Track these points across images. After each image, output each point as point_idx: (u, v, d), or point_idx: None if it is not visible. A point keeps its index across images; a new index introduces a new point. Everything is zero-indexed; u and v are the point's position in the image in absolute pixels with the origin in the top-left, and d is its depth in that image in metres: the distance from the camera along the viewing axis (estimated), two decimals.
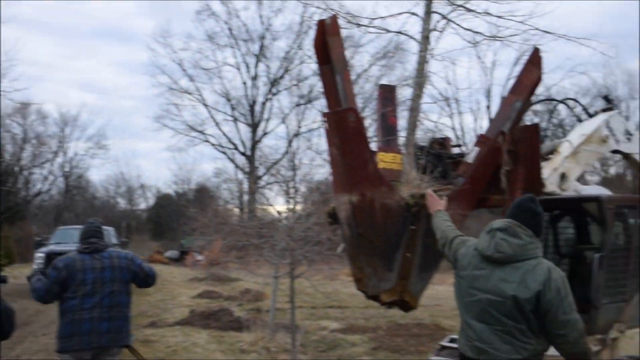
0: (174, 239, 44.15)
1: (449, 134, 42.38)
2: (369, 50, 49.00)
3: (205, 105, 45.39)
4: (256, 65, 45.16)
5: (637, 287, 7.49)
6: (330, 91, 5.13)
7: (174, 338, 13.65)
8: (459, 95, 44.21)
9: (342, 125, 4.80)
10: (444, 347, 8.10)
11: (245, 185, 34.69)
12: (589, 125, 6.79)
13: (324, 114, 4.97)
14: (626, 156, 7.29)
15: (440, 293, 24.27)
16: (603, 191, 8.84)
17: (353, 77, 43.01)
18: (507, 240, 3.97)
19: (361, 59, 40.79)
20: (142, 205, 61.68)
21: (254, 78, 45.28)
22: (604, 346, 6.89)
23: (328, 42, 5.02)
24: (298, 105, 43.18)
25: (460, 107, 45.06)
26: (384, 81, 35.14)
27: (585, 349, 3.97)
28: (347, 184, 4.99)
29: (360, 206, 4.97)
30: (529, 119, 32.57)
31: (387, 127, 5.93)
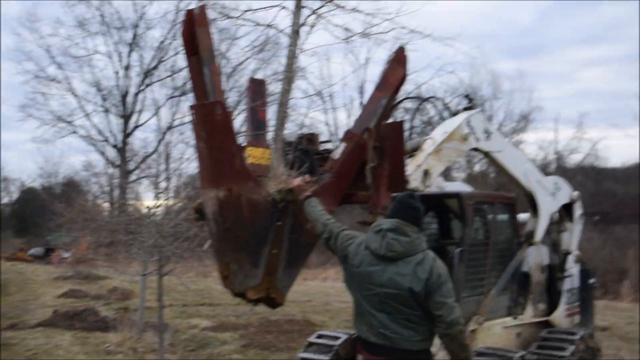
0: (40, 235, 42.10)
1: (323, 129, 42.97)
2: (245, 44, 48.68)
3: (75, 94, 43.52)
4: (129, 55, 43.75)
5: (495, 281, 7.86)
6: (198, 83, 5.02)
7: (35, 340, 13.05)
8: (333, 91, 44.81)
9: (209, 118, 4.71)
10: (311, 344, 8.17)
11: (116, 180, 33.62)
12: (450, 124, 7.04)
13: (191, 107, 4.86)
14: (486, 154, 7.60)
15: (311, 289, 24.64)
16: (464, 188, 9.23)
17: (229, 70, 42.69)
18: (397, 239, 4.36)
19: (238, 53, 40.51)
20: (5, 200, 58.49)
21: (127, 68, 43.91)
22: None
23: (196, 33, 4.91)
24: (172, 97, 42.31)
25: (334, 103, 45.78)
26: (259, 75, 35.03)
27: (459, 332, 4.32)
28: (213, 178, 4.91)
29: (226, 201, 4.90)
30: (400, 116, 33.60)
31: (257, 122, 5.89)
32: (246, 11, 5.74)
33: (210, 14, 5.63)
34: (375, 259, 4.42)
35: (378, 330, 4.45)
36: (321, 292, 23.26)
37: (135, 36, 43.39)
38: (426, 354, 4.49)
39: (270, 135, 5.72)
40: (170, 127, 40.17)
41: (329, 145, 6.44)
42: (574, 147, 50.25)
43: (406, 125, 6.80)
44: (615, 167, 54.61)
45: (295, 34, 5.41)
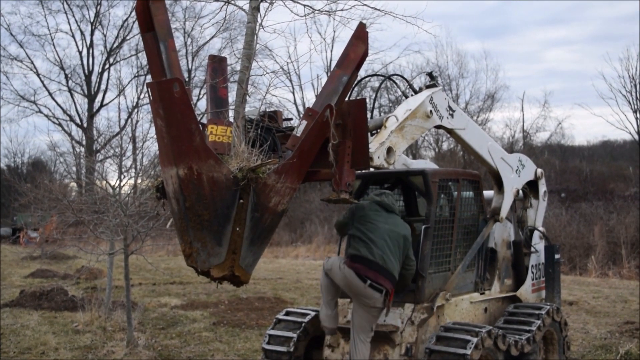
0: (7, 215, 41.63)
1: (291, 108, 42.85)
2: (211, 22, 48.21)
3: (38, 74, 42.87)
4: (92, 33, 43.18)
5: (461, 257, 7.91)
6: (154, 60, 4.94)
7: (3, 321, 12.95)
8: (299, 70, 44.59)
9: (167, 95, 4.63)
10: (280, 321, 8.19)
11: (82, 159, 33.25)
12: (413, 101, 7.00)
13: (148, 84, 4.77)
14: (450, 131, 7.60)
15: (282, 266, 24.73)
16: (429, 165, 9.24)
17: (195, 48, 42.27)
18: (390, 199, 7.05)
19: (202, 31, 40.11)
20: None
21: (90, 47, 43.29)
22: (430, 314, 7.20)
23: (151, 8, 4.82)
24: (137, 76, 41.83)
25: (300, 81, 45.61)
26: (225, 53, 34.77)
27: (414, 272, 7.12)
28: (173, 156, 4.84)
29: (187, 180, 4.84)
30: (368, 95, 33.63)
31: (218, 99, 5.82)
32: None
33: None
34: (379, 209, 6.91)
35: (378, 252, 6.64)
36: (292, 270, 23.33)
37: (97, 14, 42.77)
38: (394, 280, 6.76)
39: (231, 112, 5.65)
40: (135, 107, 39.78)
41: (291, 123, 6.40)
42: (540, 125, 50.84)
43: (369, 103, 6.76)
44: (581, 145, 55.47)
45: (254, 10, 5.32)
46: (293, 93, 45.53)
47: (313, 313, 8.03)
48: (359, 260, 6.70)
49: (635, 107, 46.07)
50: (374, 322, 6.92)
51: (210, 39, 41.77)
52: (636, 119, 46.33)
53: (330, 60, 43.66)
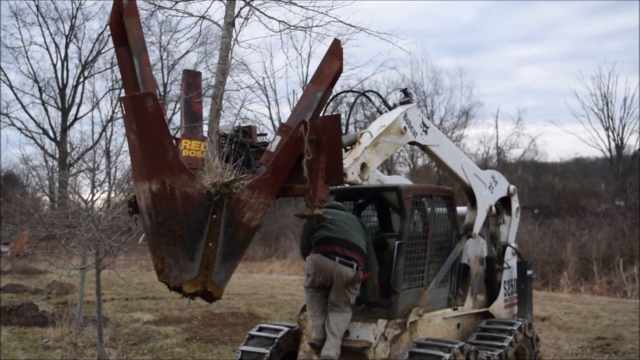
0: None
1: (267, 123, 42.85)
2: (186, 37, 48.09)
3: (11, 86, 42.39)
4: (67, 46, 42.85)
5: (435, 273, 7.94)
6: (128, 75, 4.92)
7: None
8: (275, 85, 44.63)
9: (140, 110, 4.61)
10: (253, 337, 8.15)
11: (55, 173, 32.95)
12: (388, 117, 7.05)
13: (121, 99, 4.75)
14: (423, 148, 7.65)
15: (257, 281, 24.61)
16: (403, 181, 9.29)
17: (171, 63, 42.16)
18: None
19: (178, 45, 40.05)
20: None
21: (65, 60, 42.96)
22: (404, 329, 7.22)
23: (125, 22, 4.80)
24: (112, 90, 41.58)
25: (276, 96, 45.64)
26: (201, 68, 34.71)
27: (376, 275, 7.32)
28: (146, 171, 4.81)
29: (160, 195, 4.81)
30: (344, 110, 33.72)
31: (192, 114, 5.80)
32: (179, 1, 5.62)
33: (141, 4, 5.50)
34: (333, 210, 7.03)
35: (338, 230, 7.01)
36: (266, 285, 23.23)
37: (72, 27, 42.50)
38: (362, 254, 7.08)
39: (205, 127, 5.64)
40: (110, 120, 39.52)
41: (265, 138, 6.40)
42: (514, 142, 51.33)
43: (344, 118, 6.79)
44: (554, 162, 56.15)
45: (229, 25, 5.33)
46: (269, 108, 45.55)
47: (286, 329, 8.01)
48: (322, 242, 7.08)
49: (607, 125, 46.87)
50: (352, 298, 7.14)
51: (185, 54, 41.68)
52: (608, 136, 47.13)
53: (307, 75, 43.74)
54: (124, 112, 4.72)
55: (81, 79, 43.10)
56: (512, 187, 9.48)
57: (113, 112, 41.13)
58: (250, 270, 29.81)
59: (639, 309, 16.32)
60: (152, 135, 4.69)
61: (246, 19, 5.51)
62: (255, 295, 19.86)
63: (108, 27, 40.18)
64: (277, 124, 42.73)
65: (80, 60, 42.92)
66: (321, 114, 5.83)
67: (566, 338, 12.75)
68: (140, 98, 4.68)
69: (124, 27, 4.84)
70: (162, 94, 42.02)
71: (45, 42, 43.00)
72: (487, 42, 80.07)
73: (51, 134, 42.69)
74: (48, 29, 42.52)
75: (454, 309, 8.24)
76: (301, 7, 5.80)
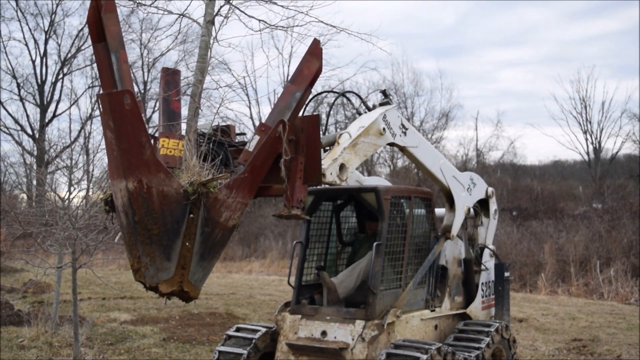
0: None
1: (247, 122, 42.78)
2: (167, 34, 47.85)
3: None
4: (46, 43, 42.43)
5: (412, 274, 7.96)
6: (105, 71, 4.88)
7: None
8: (256, 84, 44.62)
9: (117, 107, 4.57)
10: (230, 337, 8.13)
11: (33, 170, 32.61)
12: (367, 118, 7.05)
13: (98, 95, 4.72)
14: (402, 149, 7.66)
15: (235, 281, 24.52)
16: (382, 182, 9.30)
17: (151, 61, 41.95)
18: None
19: (158, 43, 39.85)
20: None
21: (44, 56, 42.56)
22: (381, 330, 7.22)
23: (103, 19, 4.76)
24: (91, 87, 41.21)
25: (257, 96, 45.60)
26: (181, 66, 34.55)
27: None
28: (122, 169, 4.78)
29: (136, 193, 4.78)
30: (324, 111, 33.73)
31: (170, 112, 5.77)
32: None
33: (120, 1, 5.46)
34: None
35: None
36: (245, 285, 23.14)
37: (52, 23, 42.10)
38: None
39: (184, 126, 5.60)
40: (89, 117, 39.18)
41: (244, 138, 6.38)
42: (493, 144, 51.72)
43: (323, 119, 6.78)
44: (533, 165, 56.59)
45: (208, 23, 5.30)
46: (249, 107, 45.52)
47: (264, 329, 7.99)
48: None
49: (585, 128, 47.27)
50: None
51: (166, 52, 41.44)
52: (586, 139, 47.54)
53: (287, 75, 43.67)
54: (101, 109, 4.68)
55: (60, 76, 42.73)
56: (490, 189, 9.52)
57: (92, 109, 40.78)
58: (229, 270, 29.71)
59: (615, 310, 16.48)
60: (129, 132, 4.66)
61: (226, 17, 5.49)
62: (234, 295, 19.79)
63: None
64: (257, 123, 42.61)
65: (59, 56, 42.54)
66: (300, 114, 5.82)
67: (543, 339, 12.83)
68: (117, 95, 4.64)
69: (102, 24, 4.80)
70: (143, 92, 41.80)
71: (24, 38, 42.56)
72: (467, 45, 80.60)
73: (29, 131, 42.29)
74: (27, 24, 42.09)
75: (432, 310, 8.26)
76: (282, 6, 5.79)
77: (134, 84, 5.61)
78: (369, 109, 7.30)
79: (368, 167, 37.44)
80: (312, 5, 5.94)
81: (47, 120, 42.14)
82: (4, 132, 41.69)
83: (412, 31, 74.64)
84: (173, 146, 5.56)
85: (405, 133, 7.48)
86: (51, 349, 11.50)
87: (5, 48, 42.08)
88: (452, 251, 8.84)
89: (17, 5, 41.07)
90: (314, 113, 6.02)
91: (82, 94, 42.26)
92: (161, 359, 11.05)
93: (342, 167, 6.48)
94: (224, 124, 6.22)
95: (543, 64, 78.33)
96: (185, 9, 5.46)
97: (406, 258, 7.82)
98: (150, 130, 5.65)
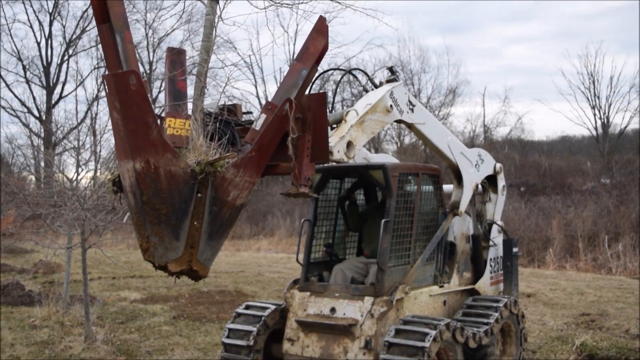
0: None
1: (253, 101, 42.72)
2: (170, 14, 47.72)
3: None
4: (51, 24, 42.34)
5: (421, 251, 7.97)
6: (110, 52, 4.86)
7: None
8: (262, 63, 44.45)
9: (123, 88, 4.57)
10: (239, 315, 8.18)
11: (40, 152, 32.68)
12: (374, 95, 7.02)
13: (103, 76, 4.71)
14: (409, 126, 7.63)
15: (244, 259, 24.63)
16: (390, 159, 9.28)
17: (156, 41, 41.83)
18: None
19: (165, 24, 39.74)
20: None
21: (49, 37, 42.48)
22: (390, 307, 7.25)
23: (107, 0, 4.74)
24: (97, 68, 41.18)
25: (262, 75, 45.47)
26: (187, 46, 34.49)
27: None
28: (129, 150, 4.78)
29: (144, 173, 4.79)
30: (330, 89, 33.61)
31: (176, 92, 5.76)
32: None
33: None
34: None
35: None
36: (254, 263, 23.25)
37: (56, 4, 41.97)
38: None
39: (190, 105, 5.59)
40: (96, 98, 39.18)
41: (251, 116, 6.36)
42: (501, 120, 51.48)
43: (330, 97, 6.76)
44: (541, 140, 56.36)
45: (212, 2, 5.27)
46: (255, 86, 45.41)
47: (273, 307, 8.05)
48: None
49: (593, 103, 46.93)
50: None
51: (171, 31, 41.43)
52: (594, 114, 47.21)
53: (293, 53, 43.53)
54: (107, 90, 4.67)
55: (66, 57, 42.71)
56: (498, 165, 9.49)
57: (98, 90, 40.77)
58: (238, 248, 29.82)
59: (623, 285, 16.49)
60: (136, 113, 4.65)
61: None
62: (243, 273, 19.89)
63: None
64: (264, 102, 42.55)
65: (64, 38, 42.52)
66: (307, 92, 5.81)
67: (551, 314, 12.86)
68: (122, 76, 4.63)
69: (105, 4, 4.78)
70: (148, 72, 41.73)
71: (29, 20, 42.55)
72: (474, 20, 79.94)
73: (36, 113, 42.38)
74: (32, 6, 42.10)
75: (440, 287, 8.28)
76: None
77: (140, 65, 5.58)
78: (376, 86, 7.26)
79: (375, 144, 37.36)
80: None
81: (53, 102, 42.22)
82: (11, 114, 41.82)
83: (418, 7, 74.10)
84: (180, 126, 5.55)
85: (412, 110, 7.45)
86: (63, 329, 11.60)
87: (10, 30, 41.94)
88: (460, 227, 8.84)
89: None
90: (321, 91, 6.00)
91: (88, 75, 42.35)
92: (172, 337, 11.14)
93: (349, 144, 6.47)
94: (230, 103, 6.20)
95: (550, 40, 77.75)
96: None
97: (414, 235, 7.83)
98: (156, 111, 5.64)
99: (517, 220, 23.42)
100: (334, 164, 6.98)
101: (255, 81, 45.64)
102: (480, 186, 9.24)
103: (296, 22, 44.04)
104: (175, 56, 5.82)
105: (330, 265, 8.26)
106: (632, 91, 51.30)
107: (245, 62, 40.43)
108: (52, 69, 42.63)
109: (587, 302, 14.18)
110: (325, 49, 5.65)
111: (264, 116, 5.48)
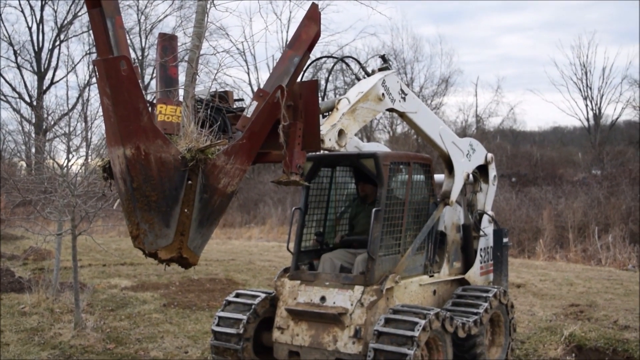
0: None
1: (245, 88, 42.60)
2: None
3: None
4: (42, 9, 42.06)
5: (411, 240, 7.98)
6: (101, 37, 4.82)
7: None
8: (254, 50, 44.31)
9: (113, 74, 4.54)
10: (230, 302, 8.18)
11: (31, 138, 32.54)
12: (366, 84, 6.99)
13: (94, 62, 4.67)
14: (401, 115, 7.62)
15: (235, 247, 24.62)
16: (381, 148, 9.27)
17: (149, 27, 41.61)
18: None
19: (157, 9, 39.53)
20: None
21: (40, 22, 42.20)
22: (380, 296, 7.26)
23: None
24: (89, 53, 40.95)
25: (255, 61, 45.31)
26: (179, 32, 34.30)
27: None
28: (120, 136, 4.75)
29: (134, 160, 4.77)
30: (323, 77, 33.54)
31: (167, 78, 5.72)
32: None
33: None
34: None
35: None
36: (245, 251, 23.24)
37: None
38: None
39: (181, 92, 5.56)
40: (88, 84, 38.99)
41: (242, 104, 6.34)
42: (493, 110, 51.57)
43: (322, 85, 6.73)
44: (532, 131, 56.55)
45: None
46: (248, 73, 45.25)
47: (263, 295, 8.05)
48: None
49: (586, 94, 47.11)
50: None
51: (163, 17, 41.26)
52: (586, 105, 47.42)
53: (286, 40, 43.40)
54: (98, 75, 4.64)
55: (57, 43, 42.44)
56: (489, 155, 9.50)
57: (89, 76, 40.58)
58: (229, 236, 29.82)
59: (612, 276, 16.57)
60: (126, 99, 4.63)
61: None
62: (234, 262, 19.88)
63: None
64: (255, 89, 42.44)
65: (56, 23, 42.23)
66: (299, 80, 5.78)
67: (541, 305, 12.92)
68: (113, 61, 4.60)
69: None
70: (140, 58, 41.52)
71: (20, 4, 42.41)
72: (468, 9, 79.96)
73: (27, 98, 42.14)
74: None
75: (430, 276, 8.30)
76: None
77: (131, 50, 5.54)
78: (368, 75, 7.24)
79: (367, 133, 37.37)
80: None
81: (44, 88, 42.00)
82: (2, 100, 41.55)
83: None
84: (170, 112, 5.52)
85: (404, 98, 7.44)
86: (52, 315, 11.58)
87: (1, 15, 41.61)
88: (451, 217, 8.85)
89: None
90: (313, 79, 5.97)
91: (79, 61, 42.21)
92: (162, 325, 11.13)
93: (341, 132, 6.45)
94: (221, 89, 6.17)
95: (544, 29, 77.97)
96: None
97: (405, 224, 7.83)
98: (147, 97, 5.61)
99: (507, 211, 23.51)
100: (326, 152, 6.96)
101: (248, 68, 45.46)
102: (471, 176, 9.24)
103: (289, 9, 43.84)
104: (167, 42, 5.78)
105: (320, 253, 8.26)
106: (623, 82, 51.54)
107: (237, 49, 40.38)
108: (44, 55, 42.40)
109: (577, 293, 14.25)
110: (317, 36, 5.62)
111: (255, 103, 5.45)
